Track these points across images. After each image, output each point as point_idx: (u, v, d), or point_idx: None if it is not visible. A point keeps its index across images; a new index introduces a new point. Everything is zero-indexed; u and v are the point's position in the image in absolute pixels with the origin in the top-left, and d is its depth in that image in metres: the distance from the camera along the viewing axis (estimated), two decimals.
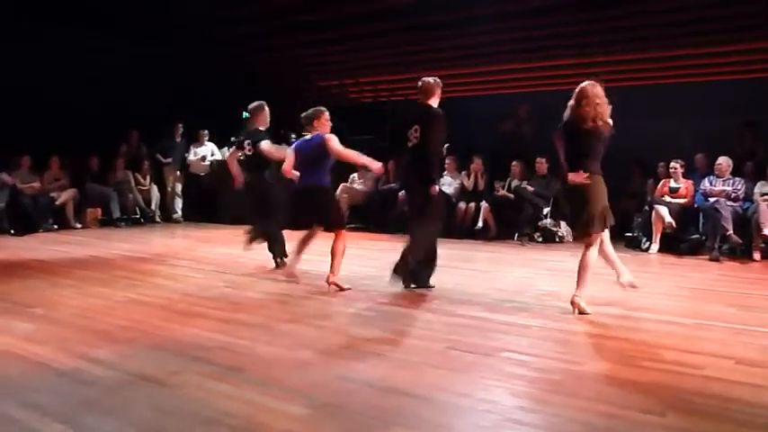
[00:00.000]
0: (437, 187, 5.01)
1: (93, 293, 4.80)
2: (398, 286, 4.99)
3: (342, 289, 5.04)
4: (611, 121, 4.24)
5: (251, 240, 6.14)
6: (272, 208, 6.01)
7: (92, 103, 9.68)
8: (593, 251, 4.28)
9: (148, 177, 10.59)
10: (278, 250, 6.08)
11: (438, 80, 5.13)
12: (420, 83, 5.14)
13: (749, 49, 8.22)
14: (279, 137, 10.59)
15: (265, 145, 5.94)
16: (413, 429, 2.40)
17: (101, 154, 10.01)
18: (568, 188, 4.39)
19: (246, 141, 6.09)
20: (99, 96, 9.82)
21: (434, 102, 5.08)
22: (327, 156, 5.10)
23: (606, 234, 4.37)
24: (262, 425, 2.44)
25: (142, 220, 10.33)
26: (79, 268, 5.98)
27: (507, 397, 2.76)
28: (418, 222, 5.05)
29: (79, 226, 9.44)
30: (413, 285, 5.06)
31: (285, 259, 5.92)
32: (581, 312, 4.24)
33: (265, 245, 6.14)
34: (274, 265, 6.08)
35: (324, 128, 5.22)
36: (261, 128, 6.13)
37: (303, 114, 5.30)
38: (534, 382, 2.96)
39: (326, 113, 5.28)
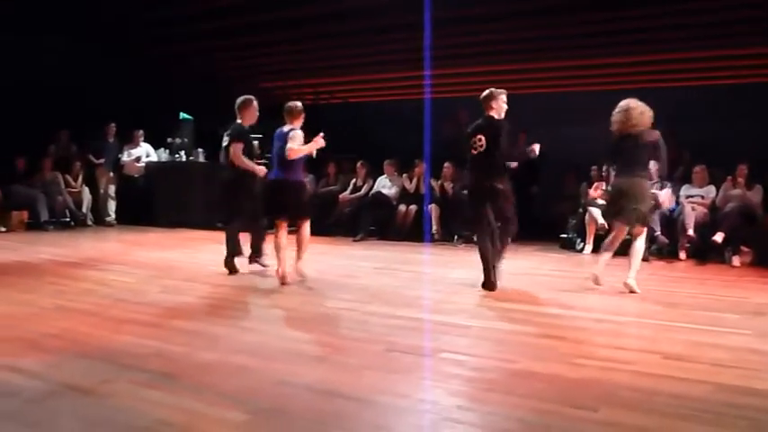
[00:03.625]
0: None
1: (18, 300, 4.57)
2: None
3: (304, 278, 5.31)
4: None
5: (234, 251, 5.82)
6: (256, 203, 5.69)
7: (19, 103, 9.23)
8: (641, 240, 5.20)
9: (80, 179, 10.20)
10: (258, 246, 5.94)
11: (494, 91, 5.25)
12: (482, 95, 5.28)
13: (671, 59, 8.64)
14: (166, 145, 10.52)
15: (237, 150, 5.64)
16: None
17: (28, 154, 9.57)
18: (621, 188, 5.17)
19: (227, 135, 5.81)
20: (27, 95, 9.36)
21: (495, 113, 5.22)
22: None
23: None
24: None
25: (72, 224, 9.92)
26: (3, 274, 5.69)
27: (445, 396, 2.79)
28: (506, 222, 5.26)
29: (3, 229, 9.01)
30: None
31: (260, 258, 5.95)
32: (632, 292, 5.01)
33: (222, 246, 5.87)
34: (250, 261, 5.96)
35: (299, 122, 5.33)
36: (245, 124, 5.81)
37: (286, 105, 5.38)
38: (471, 381, 3.00)
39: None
